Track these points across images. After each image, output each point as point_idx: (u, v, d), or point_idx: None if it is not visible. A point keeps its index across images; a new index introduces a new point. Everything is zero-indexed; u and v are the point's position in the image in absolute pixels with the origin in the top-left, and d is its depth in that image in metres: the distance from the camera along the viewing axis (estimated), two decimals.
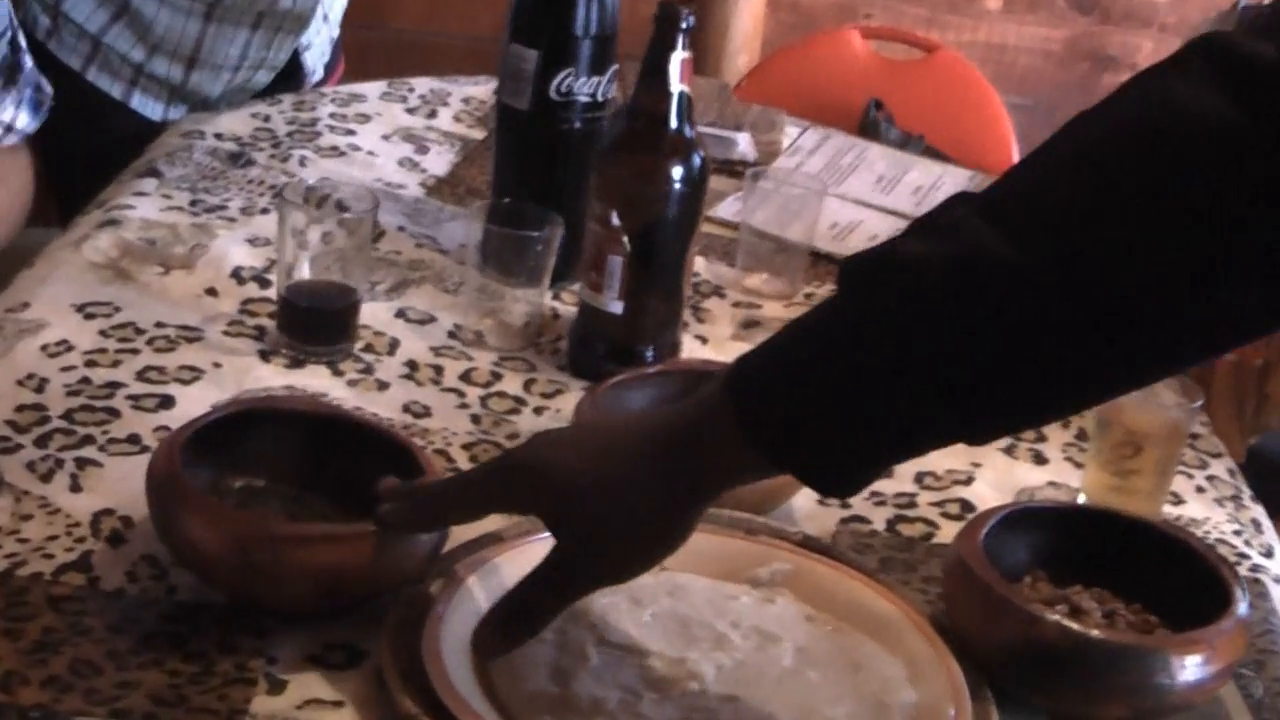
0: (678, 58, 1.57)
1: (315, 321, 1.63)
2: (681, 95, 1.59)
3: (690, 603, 1.28)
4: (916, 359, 1.05)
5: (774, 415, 1.09)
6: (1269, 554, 1.59)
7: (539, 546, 1.24)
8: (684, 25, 1.57)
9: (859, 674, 1.24)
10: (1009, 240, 1.04)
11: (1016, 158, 2.97)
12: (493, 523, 1.30)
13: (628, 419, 1.34)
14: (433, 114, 2.32)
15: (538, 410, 1.61)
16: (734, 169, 2.21)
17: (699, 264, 1.91)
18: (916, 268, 1.07)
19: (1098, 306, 1.03)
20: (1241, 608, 1.30)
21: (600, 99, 1.77)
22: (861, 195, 2.21)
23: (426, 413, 1.57)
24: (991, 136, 2.99)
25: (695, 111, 1.61)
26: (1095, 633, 1.25)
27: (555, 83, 1.75)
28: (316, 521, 1.30)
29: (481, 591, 1.25)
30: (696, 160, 1.61)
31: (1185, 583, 1.35)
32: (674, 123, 1.59)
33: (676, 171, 1.60)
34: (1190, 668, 1.24)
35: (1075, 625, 1.25)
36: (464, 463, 1.50)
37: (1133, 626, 1.32)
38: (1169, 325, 1.04)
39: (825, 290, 1.95)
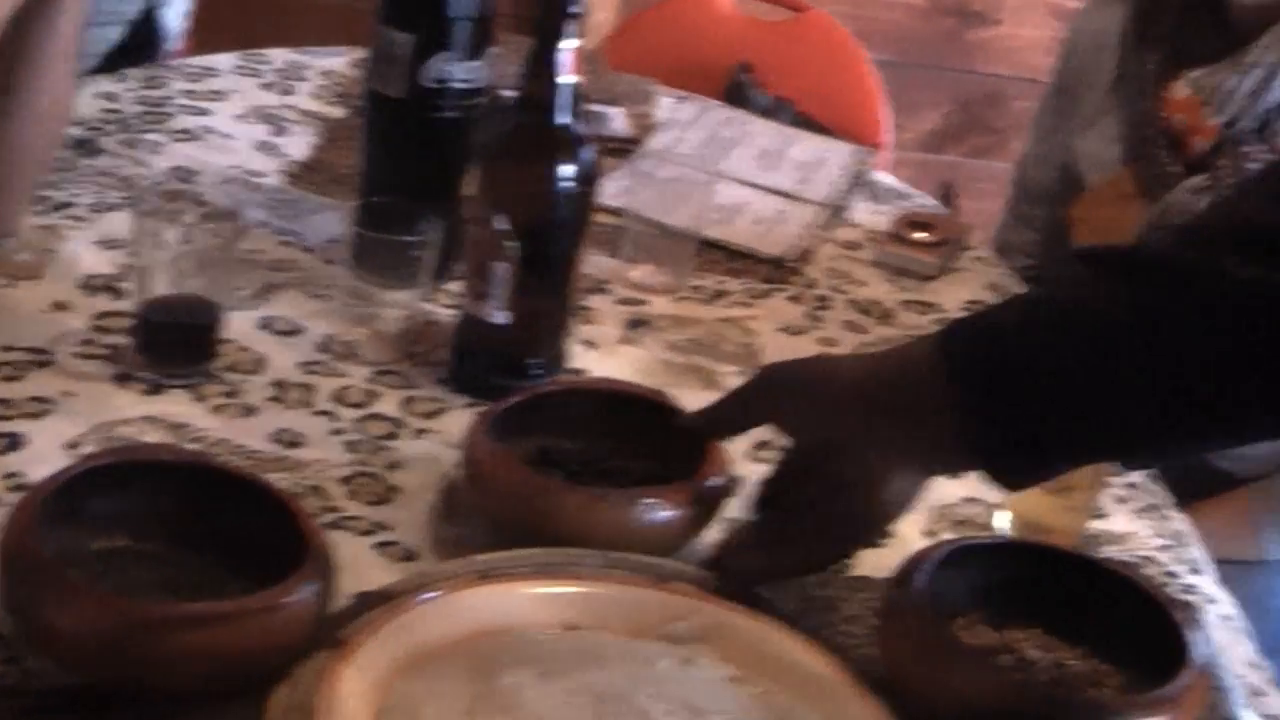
0: (566, 46, 1.40)
1: (174, 342, 1.44)
2: (570, 87, 1.42)
3: (606, 672, 1.11)
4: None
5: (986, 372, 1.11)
6: (1197, 570, 1.46)
7: (433, 606, 1.12)
8: (572, 11, 1.40)
9: None
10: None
11: (886, 118, 2.83)
12: (380, 578, 1.18)
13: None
14: (289, 90, 2.12)
15: (419, 433, 1.44)
16: (608, 146, 2.04)
17: None
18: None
19: None
20: (1199, 654, 1.17)
21: (478, 85, 1.60)
22: (744, 173, 2.04)
23: (298, 442, 1.39)
24: (861, 98, 2.84)
25: None
26: (1055, 697, 1.11)
27: (430, 68, 1.57)
28: (191, 588, 1.13)
29: (376, 658, 1.08)
30: (587, 156, 1.44)
31: (1131, 622, 1.21)
32: (563, 117, 1.42)
33: (566, 170, 1.43)
34: None
35: (1034, 688, 1.11)
36: (341, 499, 1.33)
37: (1083, 678, 1.18)
38: None
39: (712, 281, 1.79)
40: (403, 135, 1.62)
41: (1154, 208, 1.99)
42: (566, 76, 1.40)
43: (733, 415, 1.26)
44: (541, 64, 1.40)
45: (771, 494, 1.26)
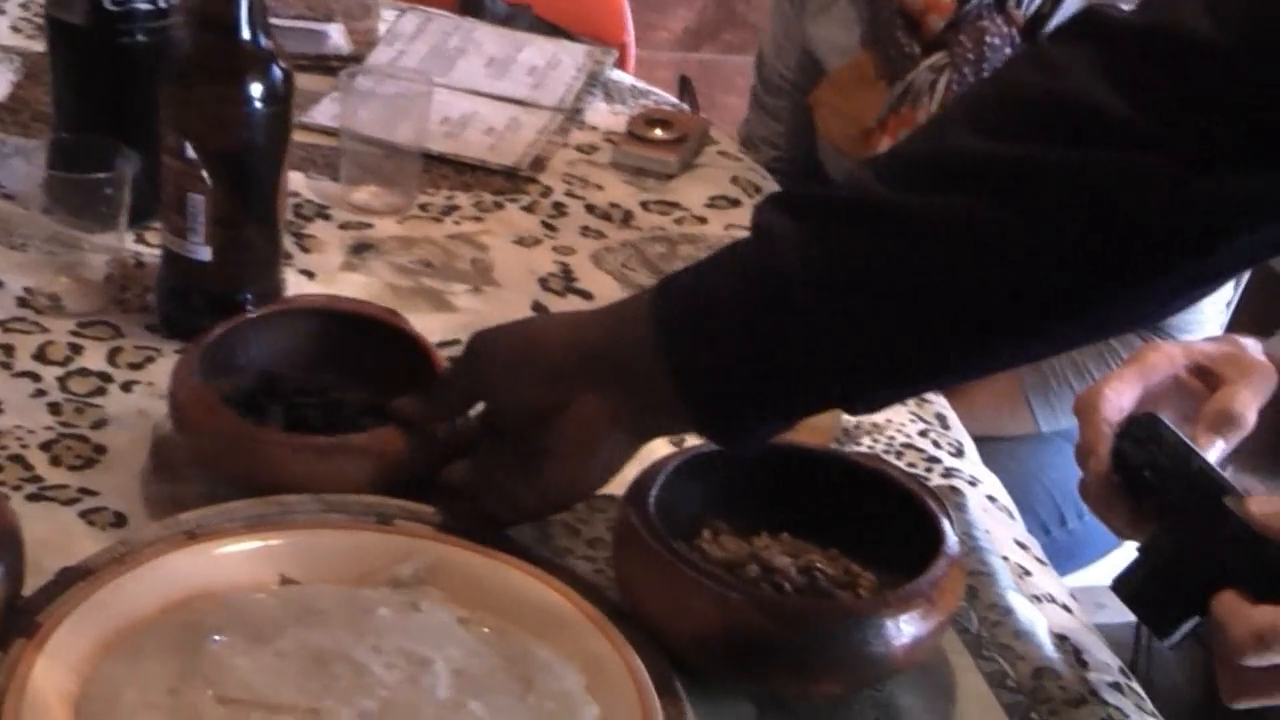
0: None
1: None
2: (251, 1, 1.29)
3: (324, 628, 1.00)
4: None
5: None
6: (959, 452, 1.39)
7: (134, 576, 1.01)
8: None
9: (530, 695, 0.98)
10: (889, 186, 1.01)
11: (630, 20, 2.72)
12: (89, 549, 1.07)
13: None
14: None
15: (126, 387, 1.31)
16: (329, 65, 1.91)
17: (298, 181, 1.63)
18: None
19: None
20: (952, 543, 1.09)
21: (164, 5, 1.46)
22: (472, 83, 1.93)
23: None
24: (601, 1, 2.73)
25: (279, 5, 1.31)
26: (798, 608, 1.02)
27: None
28: None
29: (74, 642, 0.97)
30: (277, 73, 1.31)
31: (883, 517, 1.13)
32: (245, 33, 1.29)
33: (255, 90, 1.30)
34: (907, 628, 1.03)
35: (775, 601, 1.02)
36: (44, 467, 1.21)
37: (834, 582, 1.10)
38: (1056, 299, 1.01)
39: (441, 198, 1.68)
40: (89, 65, 1.49)
41: (895, 89, 1.90)
42: None
43: (448, 400, 1.18)
44: None
45: (485, 444, 1.16)
